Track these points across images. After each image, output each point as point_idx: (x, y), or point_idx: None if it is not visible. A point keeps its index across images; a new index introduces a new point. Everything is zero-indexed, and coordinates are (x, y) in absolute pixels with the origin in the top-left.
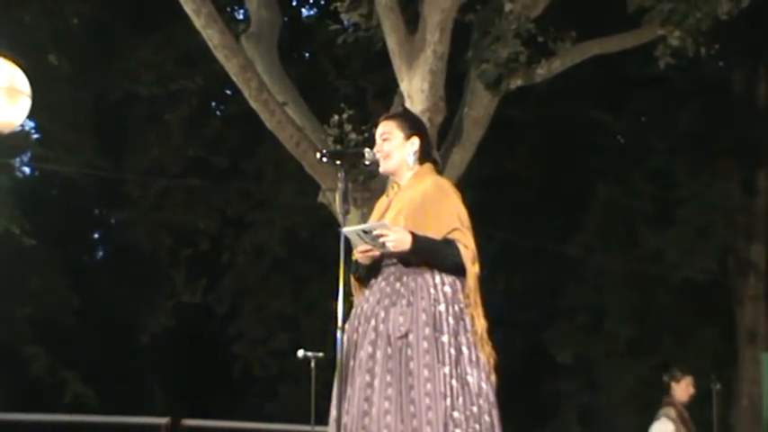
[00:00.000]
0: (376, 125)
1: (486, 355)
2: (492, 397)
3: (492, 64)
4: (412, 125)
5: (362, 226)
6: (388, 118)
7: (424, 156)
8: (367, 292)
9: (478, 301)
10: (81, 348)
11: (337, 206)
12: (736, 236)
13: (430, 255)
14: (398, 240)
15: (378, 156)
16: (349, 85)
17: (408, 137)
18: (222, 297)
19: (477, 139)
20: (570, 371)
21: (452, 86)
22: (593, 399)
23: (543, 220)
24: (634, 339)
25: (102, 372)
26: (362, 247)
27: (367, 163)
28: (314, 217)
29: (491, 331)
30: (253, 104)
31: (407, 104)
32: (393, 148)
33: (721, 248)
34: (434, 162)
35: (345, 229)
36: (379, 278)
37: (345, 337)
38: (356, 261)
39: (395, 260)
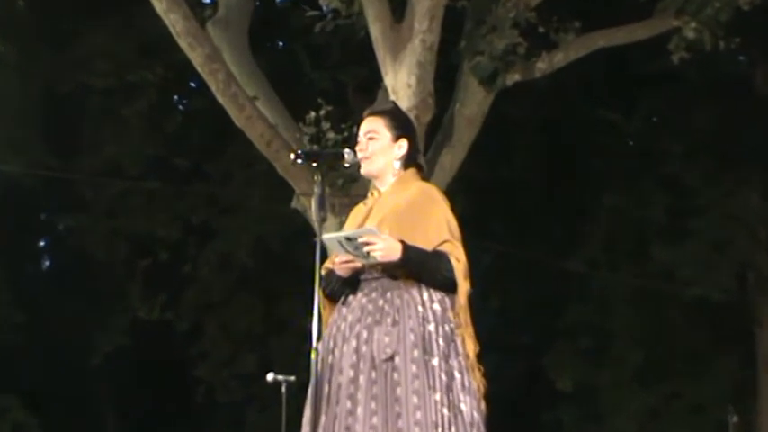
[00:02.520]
0: (359, 121)
1: (476, 381)
2: (483, 428)
3: (487, 56)
4: (402, 125)
5: (346, 233)
6: (375, 114)
7: (409, 160)
8: (344, 310)
9: (469, 320)
10: (23, 370)
11: (313, 213)
12: (756, 250)
13: (420, 268)
14: (388, 249)
15: (360, 156)
16: (327, 79)
17: (397, 138)
18: (183, 313)
19: (469, 140)
20: (571, 399)
21: (442, 81)
22: (597, 430)
23: (542, 231)
24: (642, 365)
25: (48, 397)
26: (343, 256)
27: (347, 165)
28: (287, 225)
29: (482, 355)
30: (220, 99)
31: (394, 100)
32: (378, 149)
33: (740, 264)
34: (419, 167)
35: (326, 236)
36: (359, 294)
37: (320, 360)
38: (328, 274)
39: (378, 273)
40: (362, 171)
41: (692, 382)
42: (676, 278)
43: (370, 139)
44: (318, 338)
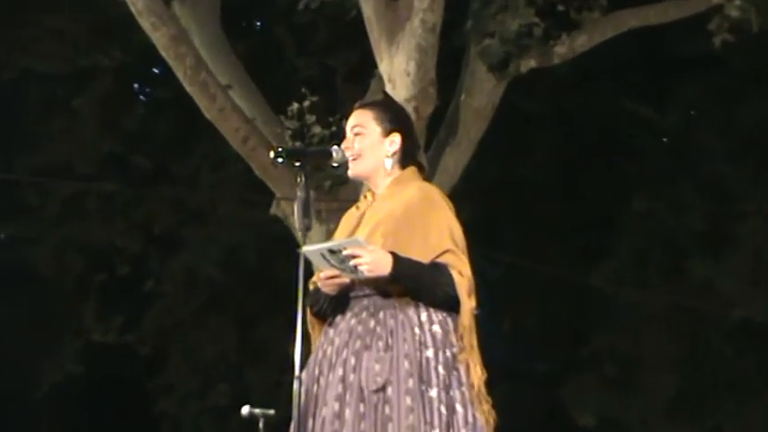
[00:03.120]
0: (347, 116)
1: (484, 415)
2: None
3: (498, 39)
4: (393, 118)
5: (328, 244)
6: (363, 106)
7: (406, 158)
8: (331, 332)
9: (475, 344)
10: None
11: (296, 220)
12: None
13: (415, 283)
14: (376, 263)
15: (347, 155)
16: (313, 65)
17: (387, 133)
18: (145, 337)
19: (477, 136)
20: None
21: (446, 68)
22: None
23: (561, 241)
24: (677, 397)
25: None
26: (328, 271)
27: (335, 165)
28: (265, 235)
29: (491, 384)
30: (188, 88)
31: (388, 90)
32: (367, 146)
33: None
34: (419, 167)
35: (306, 249)
36: (348, 314)
37: (303, 390)
38: (316, 290)
39: (369, 290)
40: (350, 172)
41: (736, 416)
42: (717, 296)
43: (357, 134)
44: (302, 366)
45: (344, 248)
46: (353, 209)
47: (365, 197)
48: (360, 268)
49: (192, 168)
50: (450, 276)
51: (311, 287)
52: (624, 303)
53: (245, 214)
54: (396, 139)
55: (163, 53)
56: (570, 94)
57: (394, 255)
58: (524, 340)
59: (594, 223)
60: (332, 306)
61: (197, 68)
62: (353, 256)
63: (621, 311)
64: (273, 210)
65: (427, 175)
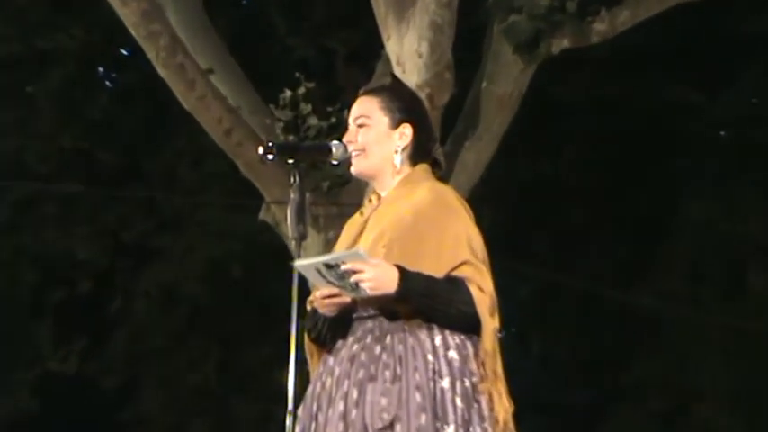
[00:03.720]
0: (349, 104)
1: None
2: None
3: (525, 16)
4: (403, 106)
5: (325, 257)
6: (367, 93)
7: (418, 154)
8: (331, 361)
9: (500, 372)
10: None
11: (288, 228)
12: None
13: (427, 301)
14: (379, 279)
15: (350, 150)
16: (308, 46)
17: (397, 124)
18: (112, 365)
19: (500, 128)
20: None
21: (465, 49)
22: None
23: (600, 253)
24: None
25: None
26: (326, 289)
27: (335, 162)
28: (252, 244)
29: (520, 419)
30: (161, 72)
31: (398, 73)
32: (372, 139)
33: None
34: (434, 163)
35: (300, 263)
36: (350, 338)
37: (299, 429)
38: (313, 311)
39: (373, 310)
40: (353, 170)
41: None
42: None
43: (361, 126)
44: (298, 399)
45: (343, 262)
46: (357, 215)
47: (369, 200)
48: (361, 285)
49: (166, 166)
50: (468, 293)
51: (308, 308)
52: (674, 325)
53: (229, 220)
54: (407, 131)
55: (132, 32)
56: (610, 80)
57: (400, 269)
58: (558, 367)
59: (639, 231)
60: (331, 330)
61: (172, 49)
62: (353, 272)
63: (671, 335)
64: (262, 215)
65: (442, 173)
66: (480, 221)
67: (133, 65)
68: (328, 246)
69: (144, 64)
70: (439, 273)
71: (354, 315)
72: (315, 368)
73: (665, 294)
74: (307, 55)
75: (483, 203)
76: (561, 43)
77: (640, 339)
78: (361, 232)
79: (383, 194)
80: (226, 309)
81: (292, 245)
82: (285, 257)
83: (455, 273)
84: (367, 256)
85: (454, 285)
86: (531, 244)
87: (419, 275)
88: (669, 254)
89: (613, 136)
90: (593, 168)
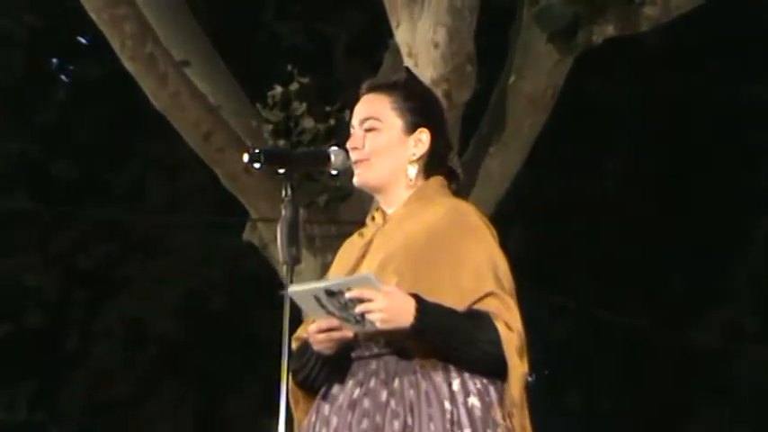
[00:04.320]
0: (351, 103)
1: None
2: None
3: None
4: (420, 107)
5: (327, 283)
6: (377, 90)
7: (433, 164)
8: (326, 409)
9: (528, 425)
10: None
11: (279, 250)
12: None
13: (447, 340)
14: (393, 310)
15: (354, 157)
16: (301, 33)
17: (413, 128)
18: (67, 413)
19: (532, 132)
20: None
21: (489, 37)
22: None
23: (653, 282)
24: None
25: None
26: (322, 322)
27: (334, 172)
28: (235, 271)
29: None
30: (128, 64)
31: (409, 67)
32: (383, 146)
33: None
34: (450, 175)
35: (294, 289)
36: (350, 382)
37: None
38: (302, 349)
39: (379, 348)
40: (357, 181)
41: None
42: None
43: (370, 129)
44: None
45: (348, 289)
46: (355, 236)
47: (372, 219)
48: (370, 318)
49: (133, 178)
50: (494, 330)
51: (294, 344)
52: (744, 369)
53: (207, 243)
54: (423, 137)
55: (93, 16)
56: (663, 75)
57: (418, 299)
58: (599, 420)
59: (699, 256)
60: (326, 372)
61: (141, 38)
62: (361, 301)
63: (741, 379)
64: (247, 236)
65: (460, 187)
66: (506, 243)
67: (94, 56)
68: (325, 270)
69: (107, 55)
70: (459, 305)
71: (354, 354)
72: (301, 418)
73: (733, 330)
74: (300, 44)
75: (510, 223)
76: (605, 31)
77: (702, 386)
78: (362, 256)
79: (389, 211)
80: (204, 348)
81: (283, 271)
82: (274, 286)
83: (479, 306)
84: (378, 282)
85: (478, 321)
86: (568, 272)
87: (439, 308)
88: (737, 281)
89: (666, 143)
90: (642, 182)
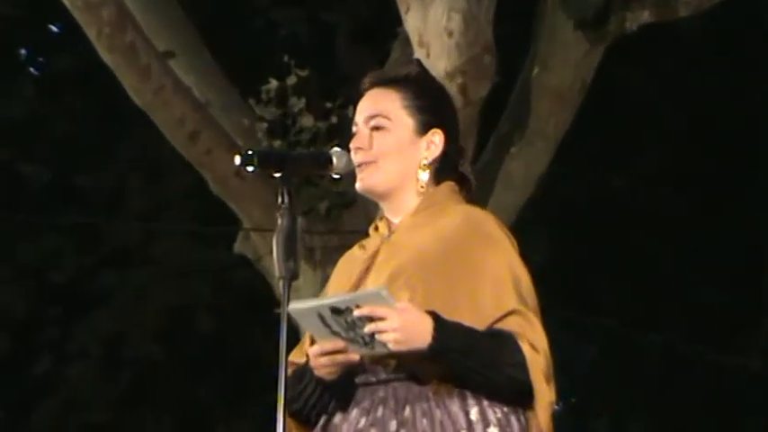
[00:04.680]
0: (356, 98)
1: None
2: None
3: None
4: (433, 105)
5: (332, 299)
6: (385, 84)
7: (444, 169)
8: None
9: None
10: None
11: (275, 263)
12: None
13: (468, 363)
14: (408, 330)
15: (358, 159)
16: (299, 20)
17: (424, 128)
18: None
19: (558, 131)
20: None
21: (510, 25)
22: None
23: (690, 299)
24: None
25: None
26: (326, 344)
27: (336, 176)
28: (225, 286)
29: None
30: (105, 56)
31: (420, 58)
32: (392, 147)
33: None
34: (463, 182)
35: (295, 306)
36: (354, 411)
37: None
38: (299, 374)
39: (388, 373)
40: (360, 186)
41: None
42: None
43: (377, 128)
44: None
45: (357, 306)
46: (356, 249)
47: (375, 229)
48: (381, 338)
49: (110, 182)
50: (519, 352)
51: (290, 371)
52: None
53: (194, 253)
54: (436, 138)
55: (66, 2)
56: (705, 65)
57: (435, 317)
58: None
59: (742, 270)
60: (326, 400)
61: (120, 25)
62: (371, 319)
63: None
64: (239, 247)
65: (474, 194)
66: (529, 257)
67: (67, 46)
68: (324, 286)
69: (82, 45)
70: (478, 326)
71: (359, 380)
72: None
73: None
74: (298, 32)
75: (533, 232)
76: (640, 17)
77: (748, 412)
78: (367, 270)
79: (395, 221)
80: (189, 372)
81: (279, 286)
82: (269, 303)
83: (501, 325)
84: (391, 298)
85: (501, 342)
86: (596, 287)
87: (459, 327)
88: None
89: (707, 142)
90: (680, 185)
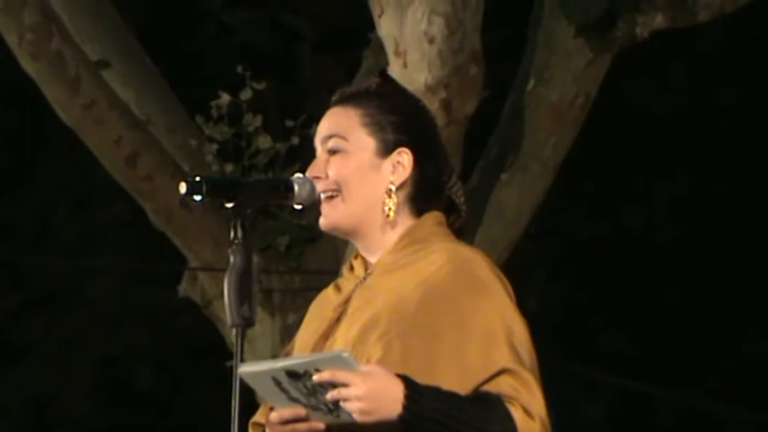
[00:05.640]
0: (319, 116)
1: None
2: None
3: None
4: (400, 121)
5: (286, 362)
6: (344, 100)
7: (423, 195)
8: None
9: None
10: None
11: (226, 310)
12: None
13: None
14: (374, 398)
15: (318, 190)
16: (257, 26)
17: (389, 149)
18: None
19: (557, 154)
20: None
21: (501, 31)
22: None
23: (714, 345)
24: None
25: None
26: (286, 411)
27: (298, 207)
28: (166, 335)
29: None
30: (27, 65)
31: (394, 69)
32: (351, 173)
33: None
34: (450, 210)
35: (246, 369)
36: None
37: None
38: None
39: None
40: (323, 223)
41: None
42: None
43: (334, 151)
44: None
45: (316, 369)
46: (330, 290)
47: (351, 269)
48: (345, 407)
49: (33, 212)
50: (509, 419)
51: None
52: None
53: (130, 298)
54: (405, 159)
55: None
56: (727, 77)
57: (407, 382)
58: None
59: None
60: None
61: (44, 30)
62: (333, 385)
63: None
64: (184, 289)
65: (465, 224)
66: (523, 302)
67: None
68: (288, 335)
69: (1, 53)
70: (464, 387)
71: None
72: None
73: None
74: (255, 39)
75: (528, 273)
76: (652, 22)
77: None
78: (338, 319)
79: (372, 260)
80: None
81: (232, 335)
82: (220, 356)
83: (488, 387)
84: (355, 361)
85: (487, 409)
86: (605, 337)
87: (435, 393)
88: None
89: (731, 165)
90: (700, 214)
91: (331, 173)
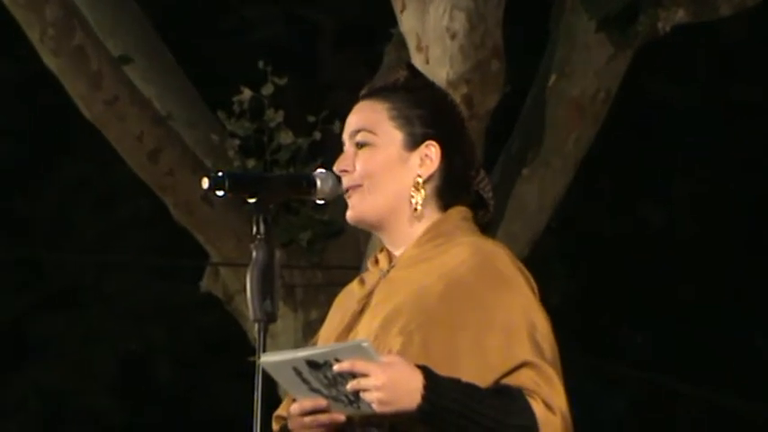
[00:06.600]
0: (343, 111)
1: None
2: None
3: None
4: (427, 115)
5: (307, 352)
6: (371, 95)
7: (450, 189)
8: None
9: None
10: None
11: (248, 305)
12: None
13: (465, 425)
14: (394, 388)
15: (345, 185)
16: (277, 19)
17: (417, 142)
18: None
19: (579, 149)
20: None
21: (522, 26)
22: None
23: (736, 342)
24: None
25: None
26: (307, 401)
27: (321, 202)
28: (188, 331)
29: None
30: (49, 61)
31: (417, 64)
32: (379, 166)
33: None
34: (477, 204)
35: (268, 359)
36: None
37: None
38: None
39: None
40: (350, 214)
41: None
42: None
43: (362, 145)
44: None
45: (336, 360)
46: (355, 284)
47: (375, 262)
48: (365, 397)
49: (56, 208)
50: (529, 412)
51: (274, 426)
52: None
53: (153, 291)
54: (432, 152)
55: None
56: (750, 73)
57: (426, 372)
58: None
59: None
60: None
61: (67, 26)
62: (353, 375)
63: None
64: (206, 284)
65: (488, 219)
66: (547, 297)
67: (4, 50)
68: (310, 331)
69: (22, 49)
70: (484, 380)
71: None
72: None
73: None
74: (276, 34)
75: (551, 268)
76: (674, 16)
77: None
78: (361, 312)
79: (397, 253)
80: (146, 430)
81: (254, 330)
82: (242, 351)
83: (509, 380)
84: (375, 352)
85: (507, 402)
86: (627, 332)
87: (455, 384)
88: None
89: (754, 161)
90: (721, 211)
91: (359, 166)
